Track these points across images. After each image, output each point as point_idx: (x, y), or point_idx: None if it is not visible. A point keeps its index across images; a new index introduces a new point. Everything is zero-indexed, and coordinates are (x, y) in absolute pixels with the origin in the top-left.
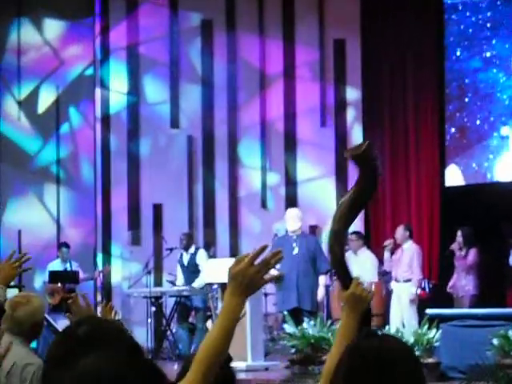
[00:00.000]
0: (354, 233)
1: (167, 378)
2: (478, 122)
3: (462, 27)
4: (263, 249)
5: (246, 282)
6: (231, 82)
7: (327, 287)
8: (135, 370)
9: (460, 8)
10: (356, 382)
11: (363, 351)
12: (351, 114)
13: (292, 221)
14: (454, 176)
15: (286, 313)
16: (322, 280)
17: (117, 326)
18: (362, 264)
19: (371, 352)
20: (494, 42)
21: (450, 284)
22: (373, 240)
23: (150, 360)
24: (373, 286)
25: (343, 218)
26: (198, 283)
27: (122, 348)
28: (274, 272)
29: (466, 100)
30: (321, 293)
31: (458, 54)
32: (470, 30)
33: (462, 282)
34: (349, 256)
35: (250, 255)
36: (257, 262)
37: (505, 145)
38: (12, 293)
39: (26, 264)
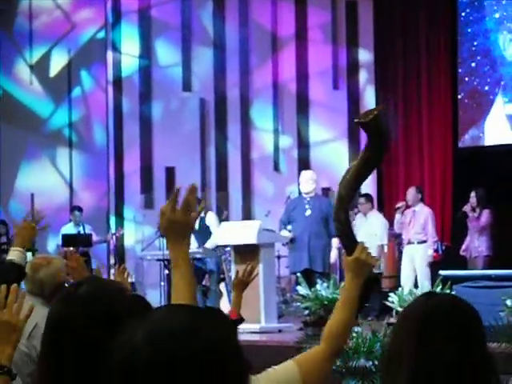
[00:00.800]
0: (363, 195)
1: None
2: (486, 88)
3: None
4: (177, 191)
5: (179, 227)
6: (243, 44)
7: (340, 249)
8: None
9: None
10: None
11: (435, 307)
12: (363, 76)
13: (306, 183)
14: (466, 135)
15: (298, 274)
16: (335, 242)
17: (117, 286)
18: (371, 226)
19: (442, 307)
20: (504, 2)
21: (464, 247)
22: (386, 202)
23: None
24: (385, 248)
25: (349, 184)
26: (209, 244)
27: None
28: (285, 233)
29: (473, 65)
30: (334, 255)
31: (467, 14)
32: None
33: (475, 244)
34: (359, 219)
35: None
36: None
37: None
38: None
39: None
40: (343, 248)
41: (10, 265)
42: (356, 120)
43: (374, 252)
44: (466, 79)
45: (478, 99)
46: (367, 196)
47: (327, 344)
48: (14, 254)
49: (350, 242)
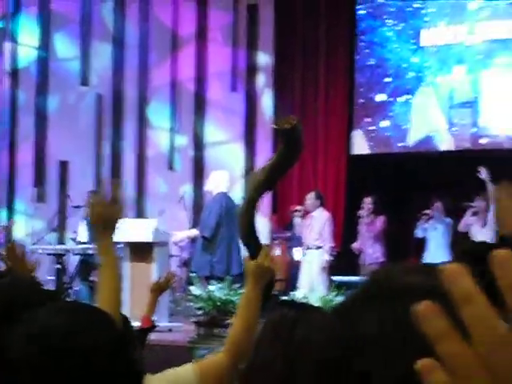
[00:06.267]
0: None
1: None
2: (382, 97)
3: None
4: (103, 183)
5: (105, 218)
6: (143, 41)
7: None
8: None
9: None
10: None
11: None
12: (262, 79)
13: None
14: (360, 144)
15: (193, 274)
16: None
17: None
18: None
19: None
20: (400, 14)
21: (355, 246)
22: (279, 205)
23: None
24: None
25: (258, 188)
26: None
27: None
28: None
29: (370, 74)
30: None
31: (366, 23)
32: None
33: (370, 250)
34: None
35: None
36: None
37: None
38: None
39: None
40: (247, 251)
41: None
42: (275, 126)
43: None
44: (362, 88)
45: (374, 108)
46: None
47: (229, 352)
48: None
49: (253, 247)
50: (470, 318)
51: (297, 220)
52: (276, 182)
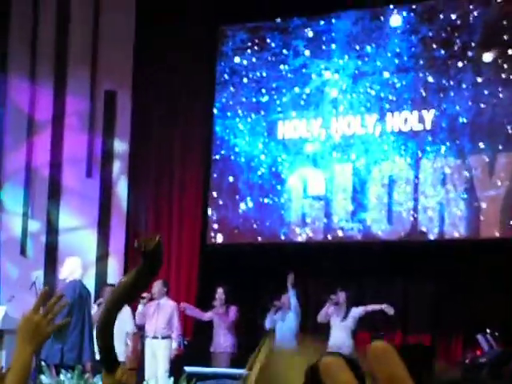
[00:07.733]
0: (110, 285)
1: None
2: (234, 193)
3: (232, 89)
4: (45, 294)
5: (33, 329)
6: None
7: None
8: None
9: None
10: None
11: None
12: (117, 166)
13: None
14: (215, 234)
15: (43, 363)
16: None
17: None
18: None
19: None
20: (253, 105)
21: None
22: None
23: None
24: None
25: (115, 301)
26: None
27: None
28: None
29: (225, 166)
30: None
31: (220, 111)
32: (242, 93)
33: (221, 340)
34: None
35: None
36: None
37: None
38: None
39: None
40: (102, 365)
41: None
42: (138, 247)
43: (123, 340)
44: (214, 182)
45: (226, 203)
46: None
47: None
48: None
49: (109, 361)
50: None
51: (139, 308)
52: (134, 298)
